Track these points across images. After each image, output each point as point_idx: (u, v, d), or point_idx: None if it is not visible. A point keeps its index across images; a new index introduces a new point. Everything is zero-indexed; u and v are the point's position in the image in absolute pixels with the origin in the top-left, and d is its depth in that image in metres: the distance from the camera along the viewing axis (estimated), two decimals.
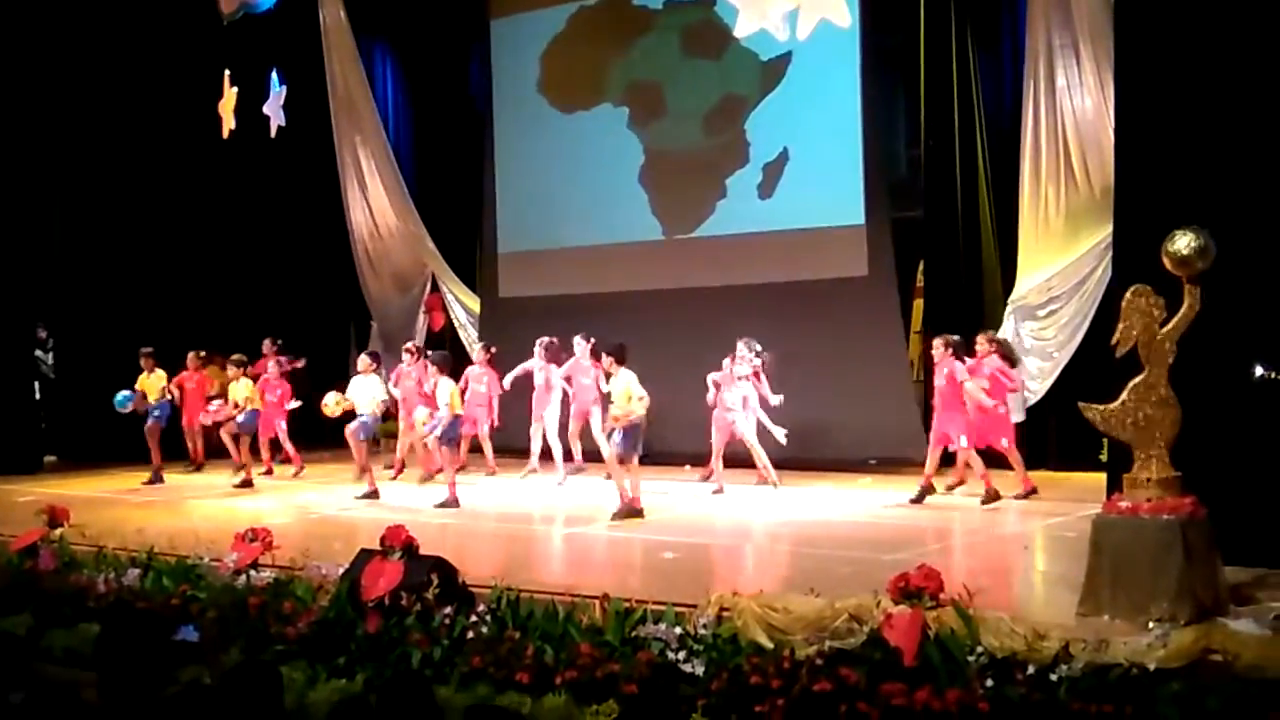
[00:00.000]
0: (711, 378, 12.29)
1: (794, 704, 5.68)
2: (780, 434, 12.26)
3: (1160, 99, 8.15)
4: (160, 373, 14.43)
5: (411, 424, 13.39)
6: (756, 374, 12.25)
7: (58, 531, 9.48)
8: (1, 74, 15.15)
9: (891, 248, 13.68)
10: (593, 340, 13.20)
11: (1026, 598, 7.79)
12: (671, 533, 10.09)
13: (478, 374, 14.03)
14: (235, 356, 14.26)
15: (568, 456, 13.59)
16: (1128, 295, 6.91)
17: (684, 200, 14.99)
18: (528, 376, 13.63)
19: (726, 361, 12.28)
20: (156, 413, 14.24)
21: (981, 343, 11.50)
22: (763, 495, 12.06)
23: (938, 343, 11.32)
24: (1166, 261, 6.74)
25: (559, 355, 13.41)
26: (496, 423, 13.96)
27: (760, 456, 12.26)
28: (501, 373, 13.94)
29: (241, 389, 13.89)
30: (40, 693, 4.70)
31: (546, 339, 13.47)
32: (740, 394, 12.21)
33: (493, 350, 14.21)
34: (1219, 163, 7.83)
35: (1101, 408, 6.95)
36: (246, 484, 13.50)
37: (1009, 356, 11.59)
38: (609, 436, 11.19)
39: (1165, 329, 6.72)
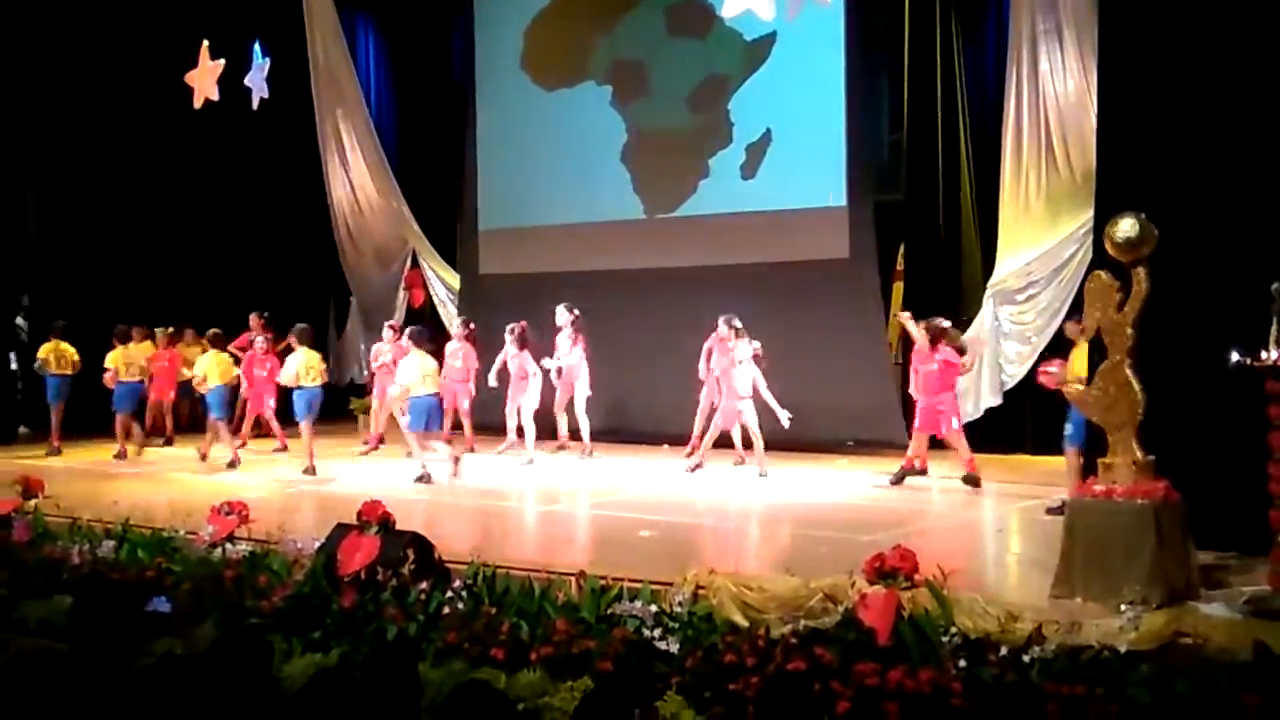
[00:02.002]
0: (715, 368, 12.23)
1: (768, 683, 5.69)
2: (785, 416, 11.90)
3: (1143, 84, 8.17)
4: (61, 345, 14.43)
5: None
6: (757, 357, 11.95)
7: (32, 502, 9.44)
8: None
9: (873, 230, 13.69)
10: (575, 313, 13.16)
11: (1000, 579, 7.83)
12: (648, 511, 10.11)
13: (454, 349, 14.01)
14: (212, 332, 13.81)
15: (553, 435, 13.52)
16: (1089, 281, 6.97)
17: (666, 179, 14.96)
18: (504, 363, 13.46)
19: (720, 345, 12.13)
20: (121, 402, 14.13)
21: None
22: (740, 475, 12.07)
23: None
24: (1109, 247, 6.81)
25: (528, 340, 13.20)
26: (473, 393, 13.80)
27: (759, 444, 11.96)
28: (481, 349, 13.90)
29: (204, 363, 13.55)
30: (19, 660, 4.69)
31: (516, 325, 13.22)
32: (749, 378, 11.89)
33: (471, 326, 14.15)
34: (1200, 148, 7.85)
35: (1083, 388, 7.00)
36: (203, 458, 13.42)
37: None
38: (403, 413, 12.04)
39: (1121, 313, 6.76)
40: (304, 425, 12.56)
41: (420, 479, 11.61)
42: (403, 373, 11.95)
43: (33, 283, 16.56)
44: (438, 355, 14.12)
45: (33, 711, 4.50)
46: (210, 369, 13.25)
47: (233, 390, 13.76)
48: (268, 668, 5.42)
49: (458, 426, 14.30)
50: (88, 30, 15.72)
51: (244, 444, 14.09)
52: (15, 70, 15.47)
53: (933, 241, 13.74)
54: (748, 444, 12.21)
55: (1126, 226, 6.70)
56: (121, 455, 13.92)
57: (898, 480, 11.16)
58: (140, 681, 4.83)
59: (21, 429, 16.09)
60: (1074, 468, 9.18)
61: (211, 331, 13.75)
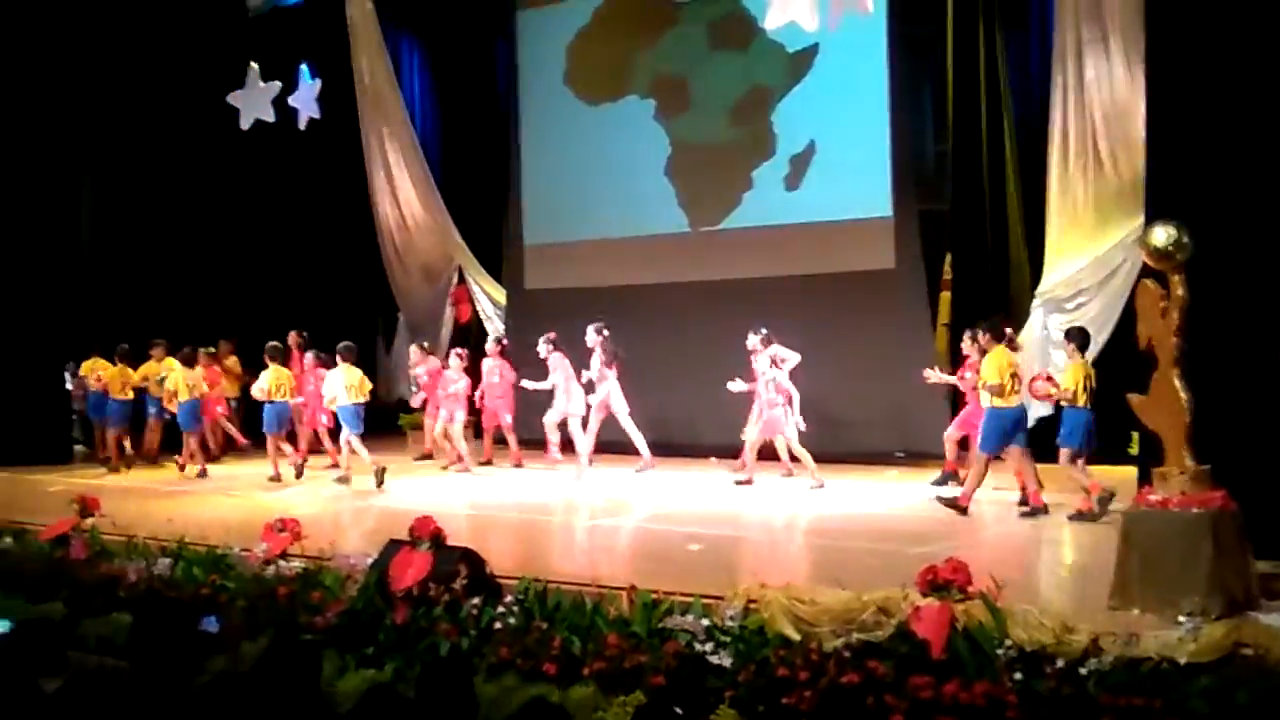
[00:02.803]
0: (762, 386, 12.17)
1: (822, 696, 5.67)
2: (800, 423, 11.99)
3: (1192, 90, 8.10)
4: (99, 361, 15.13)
5: (436, 416, 14.00)
6: (775, 361, 12.01)
7: (89, 521, 9.55)
8: (32, 70, 15.29)
9: (919, 240, 13.62)
10: (605, 334, 13.19)
11: (1055, 591, 7.76)
12: (698, 524, 10.10)
13: (490, 367, 14.15)
14: (184, 351, 14.36)
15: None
16: (1138, 290, 6.92)
17: (710, 192, 14.95)
18: (544, 374, 13.53)
19: (764, 361, 12.13)
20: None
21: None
22: (789, 488, 12.04)
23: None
24: (1145, 256, 6.80)
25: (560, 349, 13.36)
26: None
27: (807, 456, 11.93)
28: (514, 364, 14.03)
29: (173, 379, 14.07)
30: (80, 677, 4.76)
31: (548, 335, 13.41)
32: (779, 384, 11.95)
33: (504, 343, 14.36)
34: (1250, 153, 7.77)
35: (1141, 398, 6.95)
36: (202, 474, 13.96)
37: None
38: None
39: (1165, 322, 6.70)
40: (271, 438, 13.44)
41: (340, 480, 12.77)
42: (330, 385, 12.96)
43: (84, 301, 16.78)
44: (474, 373, 14.28)
45: None
46: (180, 385, 13.99)
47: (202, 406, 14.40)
48: (316, 680, 5.47)
49: (501, 441, 14.39)
50: (139, 52, 15.94)
51: (305, 460, 14.08)
52: (69, 92, 15.70)
53: (980, 251, 13.65)
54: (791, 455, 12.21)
55: (1159, 235, 6.68)
56: (107, 461, 14.74)
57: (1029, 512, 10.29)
58: (199, 699, 4.88)
59: (77, 448, 16.32)
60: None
61: (184, 350, 14.30)
